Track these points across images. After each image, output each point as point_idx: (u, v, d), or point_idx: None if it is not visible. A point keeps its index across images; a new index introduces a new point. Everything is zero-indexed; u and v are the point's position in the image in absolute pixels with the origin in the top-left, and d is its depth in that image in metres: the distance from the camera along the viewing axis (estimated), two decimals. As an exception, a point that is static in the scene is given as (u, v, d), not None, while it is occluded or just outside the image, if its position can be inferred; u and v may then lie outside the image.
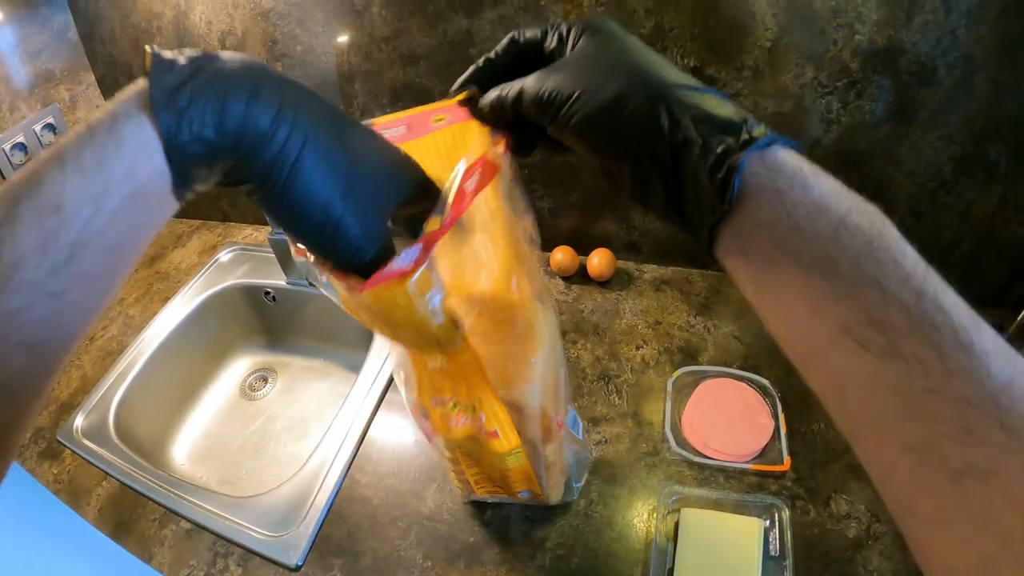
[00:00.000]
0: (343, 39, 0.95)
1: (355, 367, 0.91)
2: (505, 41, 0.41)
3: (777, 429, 0.83)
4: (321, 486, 0.77)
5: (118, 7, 1.03)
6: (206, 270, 1.10)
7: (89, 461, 0.84)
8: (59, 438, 0.87)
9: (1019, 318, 1.12)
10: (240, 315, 1.09)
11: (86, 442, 0.86)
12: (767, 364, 0.91)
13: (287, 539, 0.73)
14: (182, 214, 1.26)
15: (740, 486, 0.78)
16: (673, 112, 0.30)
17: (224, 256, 1.12)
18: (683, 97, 0.31)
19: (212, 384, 1.06)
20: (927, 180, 0.93)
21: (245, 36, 1.00)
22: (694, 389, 0.87)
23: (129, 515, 0.78)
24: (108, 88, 1.13)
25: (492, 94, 0.39)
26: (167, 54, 0.31)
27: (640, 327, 0.94)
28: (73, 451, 0.85)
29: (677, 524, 0.71)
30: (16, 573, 0.96)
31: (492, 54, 0.41)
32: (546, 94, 0.34)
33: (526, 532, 0.72)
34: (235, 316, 1.08)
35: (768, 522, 0.73)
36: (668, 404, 0.85)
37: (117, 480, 0.82)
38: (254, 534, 0.74)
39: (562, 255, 0.99)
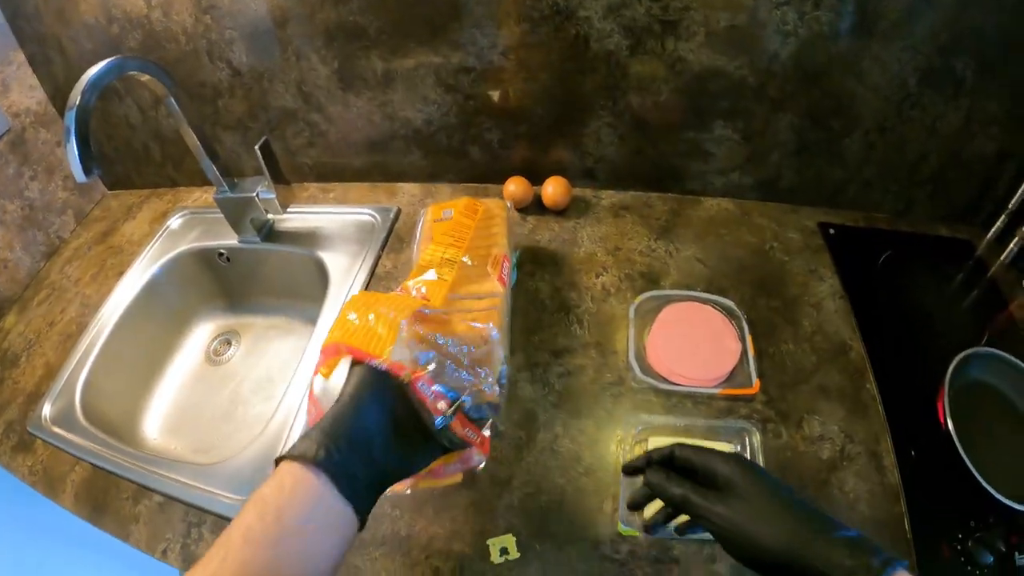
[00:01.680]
0: None
1: (315, 321, 0.89)
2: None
3: (745, 351, 0.82)
4: (284, 444, 0.76)
5: (38, -19, 0.97)
6: (157, 239, 1.07)
7: (60, 448, 0.83)
8: (29, 429, 0.86)
9: (988, 236, 1.09)
10: (196, 280, 1.07)
11: (56, 429, 0.85)
12: (732, 285, 0.90)
13: None
14: (130, 184, 1.22)
15: (709, 411, 0.78)
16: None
17: (174, 222, 1.09)
18: (824, 552, 0.43)
19: (176, 354, 1.05)
20: (892, 94, 0.91)
21: None
22: (657, 315, 0.85)
23: (103, 496, 0.79)
24: (39, 65, 1.08)
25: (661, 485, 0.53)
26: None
27: (599, 254, 0.92)
28: (44, 440, 0.85)
29: None
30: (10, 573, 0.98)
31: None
32: (714, 518, 0.48)
33: (492, 472, 0.73)
34: (191, 282, 1.06)
35: (739, 447, 0.73)
36: (631, 331, 0.84)
37: (89, 463, 0.82)
38: (224, 499, 0.74)
39: (515, 186, 0.96)
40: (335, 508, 0.43)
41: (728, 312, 0.86)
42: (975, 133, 0.94)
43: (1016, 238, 1.06)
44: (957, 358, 0.85)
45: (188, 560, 0.71)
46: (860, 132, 0.94)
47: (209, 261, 1.05)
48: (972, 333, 0.97)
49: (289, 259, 1.01)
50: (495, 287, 0.73)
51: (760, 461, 0.71)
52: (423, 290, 0.66)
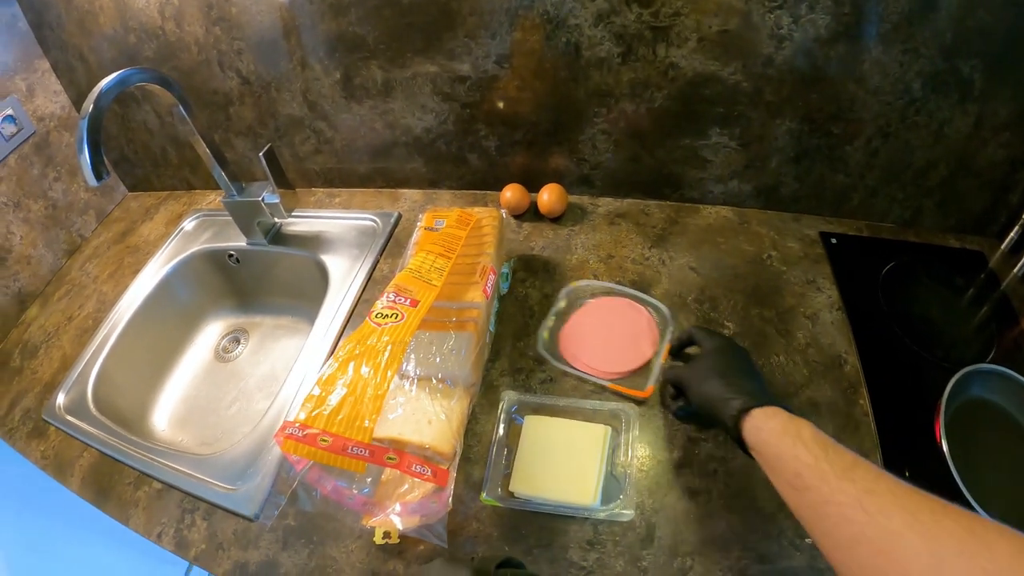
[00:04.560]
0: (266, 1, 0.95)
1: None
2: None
3: (655, 358, 0.84)
4: (275, 435, 0.81)
5: (61, -8, 1.07)
6: (172, 240, 1.14)
7: (71, 435, 0.91)
8: (44, 416, 0.94)
9: (1001, 248, 1.07)
10: (207, 280, 1.13)
11: (68, 418, 0.93)
12: (724, 295, 0.92)
13: (246, 491, 0.78)
14: (149, 187, 1.30)
15: (586, 393, 0.81)
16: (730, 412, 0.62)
17: (188, 224, 1.16)
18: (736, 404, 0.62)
19: (187, 350, 1.12)
20: (894, 98, 0.91)
21: (183, 5, 1.01)
22: (588, 302, 0.90)
23: (108, 481, 0.85)
24: (63, 72, 1.17)
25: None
26: None
27: (592, 262, 0.95)
28: (57, 427, 0.93)
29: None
30: (19, 551, 1.05)
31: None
32: (680, 383, 0.72)
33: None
34: (202, 282, 1.13)
35: (615, 431, 0.76)
36: (553, 313, 0.88)
37: (96, 450, 0.88)
38: (217, 488, 0.80)
39: (511, 193, 1.00)
40: None
41: (661, 318, 0.88)
42: (986, 140, 0.93)
43: None
44: (958, 375, 0.85)
45: (181, 544, 0.76)
46: (862, 138, 0.94)
47: (220, 262, 1.12)
48: (979, 349, 0.95)
49: (294, 261, 1.07)
50: (478, 297, 0.77)
51: (635, 443, 0.75)
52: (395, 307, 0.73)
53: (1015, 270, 1.06)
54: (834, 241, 1.00)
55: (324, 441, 0.64)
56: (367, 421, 0.64)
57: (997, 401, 0.89)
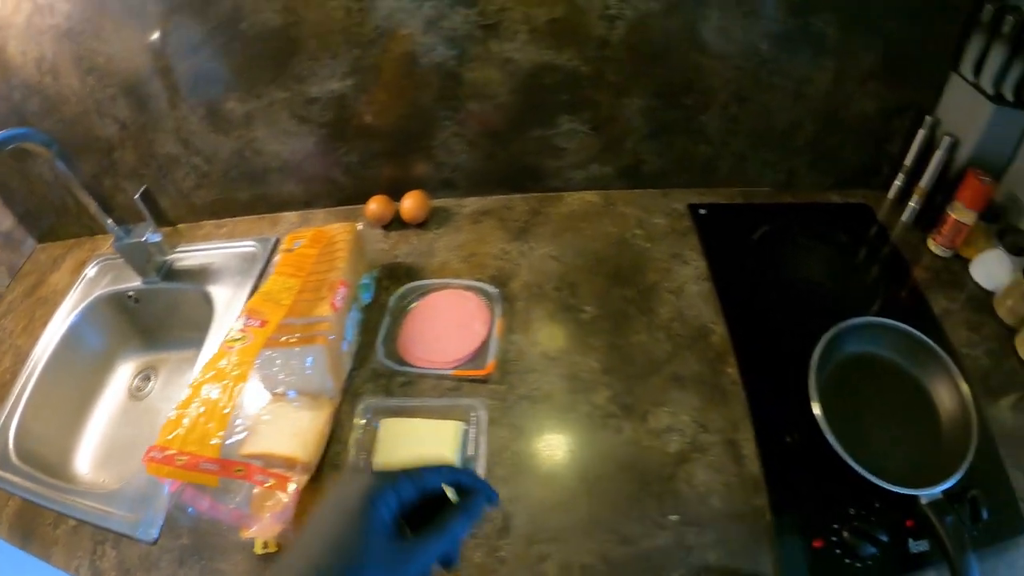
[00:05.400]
0: (133, 42, 1.15)
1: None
2: None
3: (490, 336, 0.99)
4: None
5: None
6: (77, 287, 1.36)
7: (-3, 486, 1.12)
8: (-30, 471, 1.15)
9: (887, 197, 1.17)
10: (112, 322, 1.35)
11: (-7, 470, 1.14)
12: (585, 279, 1.06)
13: (147, 517, 0.96)
14: (56, 237, 1.54)
15: (444, 391, 0.96)
16: None
17: (91, 270, 1.38)
18: None
19: (102, 392, 1.34)
20: (744, 62, 1.03)
21: (56, 59, 1.19)
22: (418, 302, 1.06)
23: (31, 524, 1.02)
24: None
25: None
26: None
27: (453, 263, 1.12)
28: (-19, 480, 1.14)
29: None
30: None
31: None
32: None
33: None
34: (108, 325, 1.35)
35: (467, 425, 0.91)
36: (387, 318, 1.04)
37: (19, 497, 1.11)
38: (122, 518, 0.97)
39: (375, 205, 1.18)
40: None
41: (488, 298, 1.03)
42: (851, 92, 1.05)
43: (916, 195, 1.17)
44: (829, 333, 0.94)
45: (96, 574, 0.93)
46: (716, 106, 1.08)
47: (121, 303, 1.33)
48: (863, 303, 1.08)
49: (186, 295, 1.28)
50: (327, 311, 0.96)
51: (483, 438, 0.89)
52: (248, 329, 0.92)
53: (903, 218, 1.19)
54: (703, 212, 1.14)
55: (180, 460, 0.82)
56: (215, 439, 0.85)
57: (878, 352, 1.00)
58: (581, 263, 1.09)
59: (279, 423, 0.90)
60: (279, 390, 0.93)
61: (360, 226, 1.09)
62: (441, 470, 0.58)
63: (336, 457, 0.93)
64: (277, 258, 1.06)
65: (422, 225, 1.20)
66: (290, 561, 0.47)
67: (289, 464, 0.87)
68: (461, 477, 0.58)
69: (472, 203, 1.22)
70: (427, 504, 0.54)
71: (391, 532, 0.49)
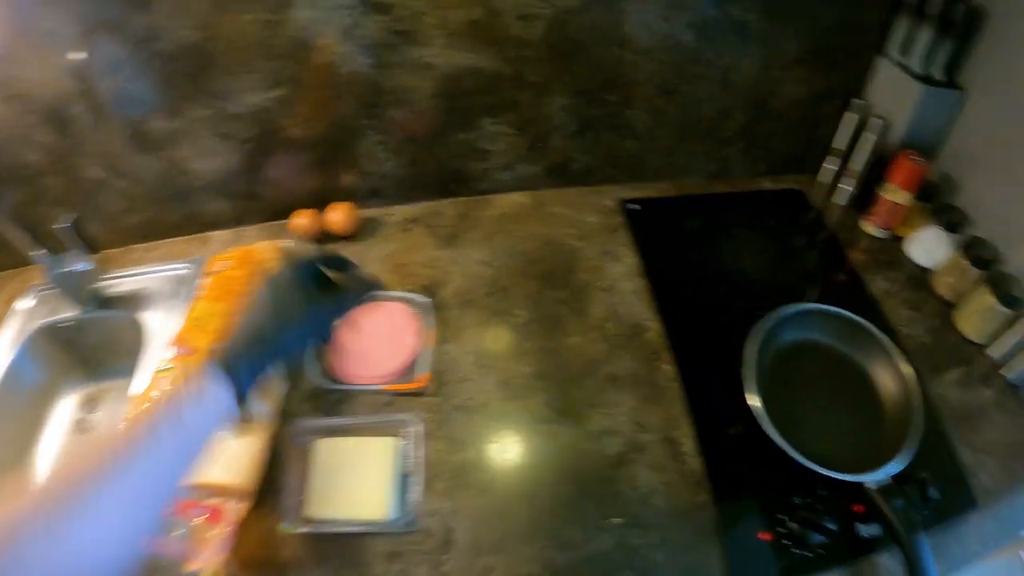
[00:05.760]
0: (54, 66, 1.11)
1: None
2: None
3: (422, 347, 0.98)
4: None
5: None
6: (11, 321, 1.34)
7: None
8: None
9: (819, 180, 1.18)
10: (51, 355, 1.32)
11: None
12: (516, 283, 1.06)
13: None
14: (-9, 268, 1.51)
15: (374, 408, 0.94)
16: None
17: (25, 303, 1.35)
18: None
19: (46, 428, 1.31)
20: (667, 55, 1.03)
21: None
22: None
23: None
24: None
25: None
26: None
27: (383, 274, 1.11)
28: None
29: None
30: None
31: None
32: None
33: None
34: (47, 357, 1.32)
35: (403, 440, 0.90)
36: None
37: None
38: None
39: (303, 219, 1.16)
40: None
41: (419, 308, 1.02)
42: (779, 79, 1.06)
43: (849, 179, 1.17)
44: (765, 323, 0.96)
45: None
46: (642, 100, 1.08)
47: (59, 335, 1.31)
48: (800, 290, 1.08)
49: (119, 322, 1.25)
50: None
51: (423, 450, 0.88)
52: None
53: (837, 201, 1.19)
54: (634, 207, 1.14)
55: None
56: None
57: (817, 339, 1.01)
58: (512, 266, 1.08)
59: (223, 452, 0.88)
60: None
61: (289, 243, 1.07)
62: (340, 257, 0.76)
63: (276, 481, 0.91)
64: (203, 281, 1.04)
65: (352, 237, 1.18)
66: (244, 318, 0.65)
67: (226, 493, 0.86)
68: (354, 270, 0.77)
69: (401, 211, 1.20)
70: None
71: (310, 285, 0.70)
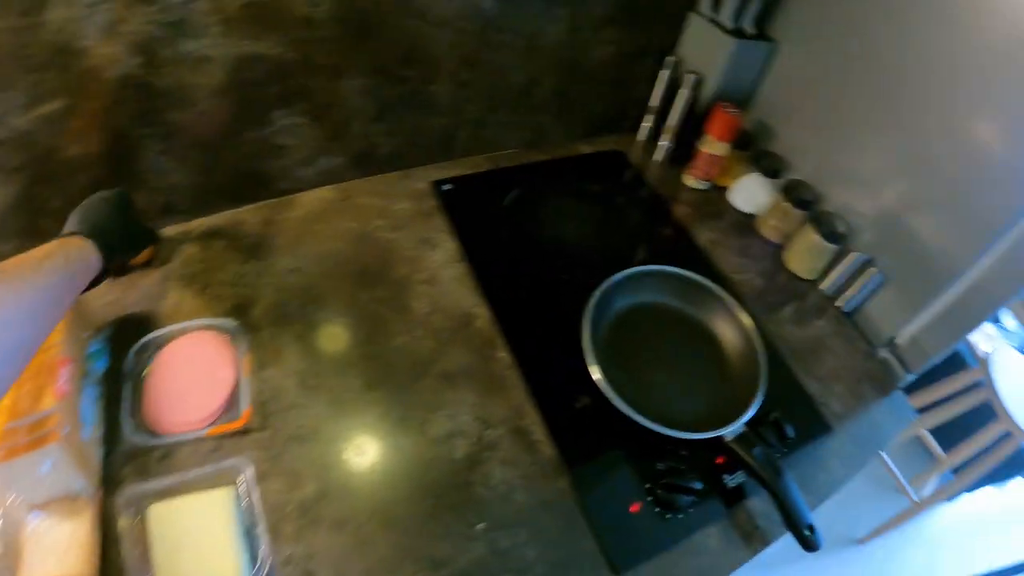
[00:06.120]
0: None
1: None
2: None
3: (239, 379, 0.87)
4: None
5: None
6: None
7: None
8: None
9: (637, 139, 1.18)
10: None
11: None
12: (331, 288, 0.96)
13: None
14: None
15: (204, 456, 0.83)
16: None
17: None
18: None
19: None
20: (467, 23, 0.96)
21: None
22: (156, 358, 0.90)
23: None
24: None
25: None
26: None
27: (187, 300, 0.97)
28: None
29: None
30: None
31: None
32: None
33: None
34: None
35: (239, 488, 0.80)
36: (127, 385, 0.87)
37: None
38: None
39: (88, 252, 1.02)
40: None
41: (230, 334, 0.91)
42: (588, 40, 1.01)
43: (666, 135, 1.18)
44: (597, 292, 0.93)
45: None
46: (445, 73, 1.01)
47: None
48: (630, 253, 1.06)
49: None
50: (51, 401, 0.76)
51: (259, 493, 0.78)
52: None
53: (656, 158, 1.20)
54: (447, 187, 1.07)
55: None
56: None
57: (652, 301, 0.99)
58: (324, 270, 0.98)
59: (37, 548, 0.74)
60: (32, 506, 0.76)
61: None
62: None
63: (116, 565, 0.76)
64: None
65: (147, 264, 1.03)
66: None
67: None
68: None
69: (199, 225, 1.07)
70: None
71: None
